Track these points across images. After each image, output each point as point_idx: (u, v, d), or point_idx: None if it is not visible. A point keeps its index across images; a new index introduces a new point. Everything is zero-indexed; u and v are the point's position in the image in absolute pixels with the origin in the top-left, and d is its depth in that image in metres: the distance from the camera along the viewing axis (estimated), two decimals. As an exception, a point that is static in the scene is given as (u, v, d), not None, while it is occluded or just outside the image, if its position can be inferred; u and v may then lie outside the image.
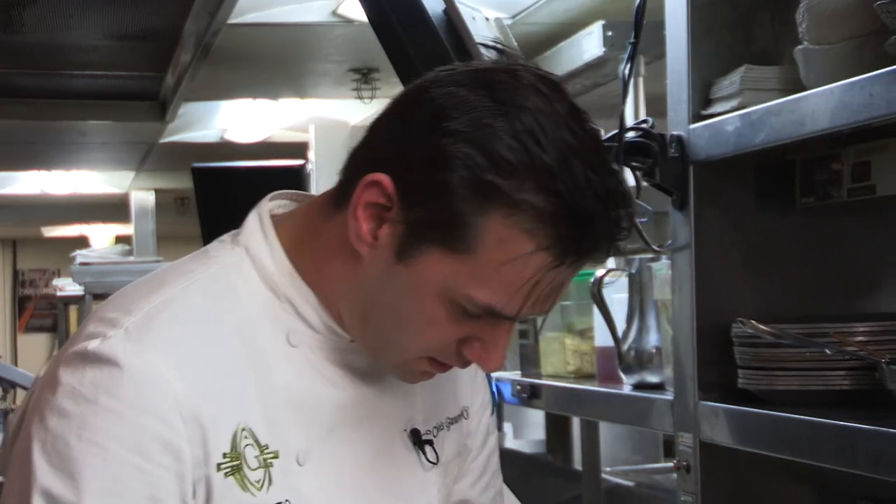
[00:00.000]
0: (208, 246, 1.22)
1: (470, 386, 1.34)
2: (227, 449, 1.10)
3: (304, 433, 1.16)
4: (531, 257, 1.06)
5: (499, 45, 1.18)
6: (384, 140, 1.13)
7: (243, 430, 1.11)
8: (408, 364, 1.17)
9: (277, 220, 1.21)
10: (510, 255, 1.06)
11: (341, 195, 1.15)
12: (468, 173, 1.05)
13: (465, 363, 1.15)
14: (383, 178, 1.09)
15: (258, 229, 1.19)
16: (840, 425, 1.39)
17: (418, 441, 1.25)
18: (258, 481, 1.12)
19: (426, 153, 1.07)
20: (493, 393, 1.58)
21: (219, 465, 1.10)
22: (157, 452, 1.07)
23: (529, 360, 2.52)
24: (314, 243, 1.17)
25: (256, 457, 1.12)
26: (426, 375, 1.19)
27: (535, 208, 1.05)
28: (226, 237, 1.22)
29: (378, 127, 1.15)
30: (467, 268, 1.07)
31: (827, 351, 1.51)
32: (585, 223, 1.07)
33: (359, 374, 1.20)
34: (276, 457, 1.13)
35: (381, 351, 1.17)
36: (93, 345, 1.09)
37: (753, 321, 1.54)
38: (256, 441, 1.12)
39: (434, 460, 1.26)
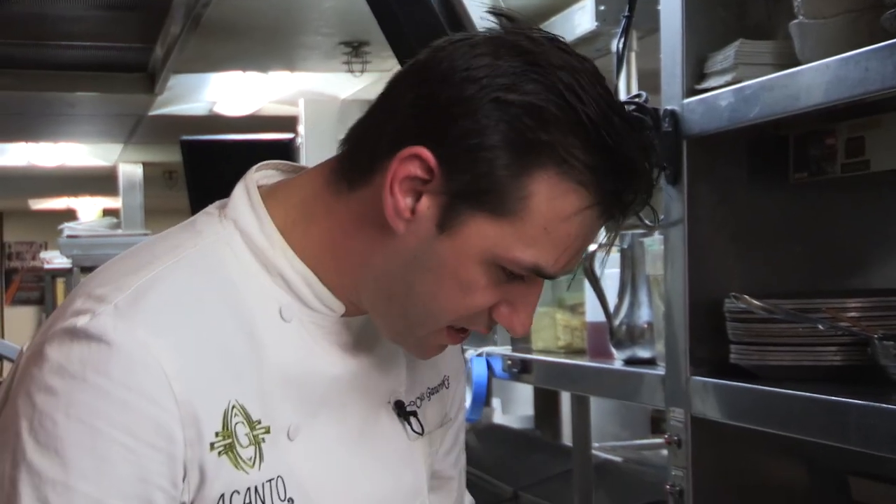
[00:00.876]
0: (194, 218, 1.19)
1: (450, 355, 1.33)
2: (219, 427, 1.09)
3: (295, 408, 1.15)
4: (582, 213, 1.07)
5: (504, 12, 1.16)
6: (413, 114, 1.10)
7: (234, 407, 1.10)
8: (430, 337, 1.16)
9: (266, 193, 1.18)
10: (561, 212, 1.07)
11: (356, 171, 1.13)
12: (515, 135, 1.05)
13: (490, 328, 1.16)
14: (423, 150, 1.07)
15: (246, 203, 1.17)
16: (832, 400, 1.39)
17: (403, 412, 1.25)
18: (250, 458, 1.11)
19: (468, 123, 1.06)
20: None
21: (212, 444, 1.08)
22: (148, 433, 1.05)
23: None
24: (322, 221, 1.15)
25: (247, 434, 1.11)
26: (441, 349, 1.19)
27: (586, 163, 1.06)
28: (212, 209, 1.19)
29: (398, 103, 1.12)
30: (514, 230, 1.07)
31: (820, 326, 1.50)
32: (629, 176, 1.08)
33: (346, 349, 1.19)
34: (267, 431, 1.12)
35: (405, 326, 1.15)
36: (82, 321, 1.07)
37: (746, 296, 1.54)
38: (248, 417, 1.11)
39: (419, 431, 1.26)
